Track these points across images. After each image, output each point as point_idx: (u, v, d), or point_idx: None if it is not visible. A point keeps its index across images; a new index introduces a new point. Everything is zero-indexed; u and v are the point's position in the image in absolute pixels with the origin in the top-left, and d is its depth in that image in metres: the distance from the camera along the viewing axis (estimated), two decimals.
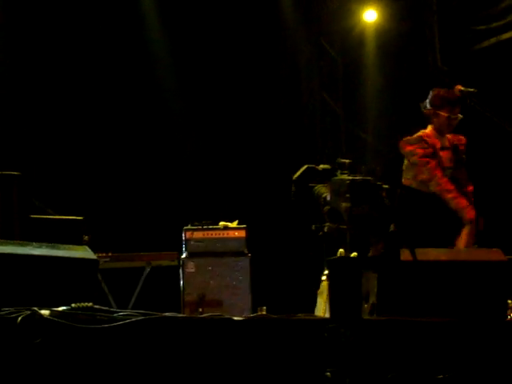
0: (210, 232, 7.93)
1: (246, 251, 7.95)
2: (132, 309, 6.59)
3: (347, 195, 4.00)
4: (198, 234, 7.87)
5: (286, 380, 3.81)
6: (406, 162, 6.23)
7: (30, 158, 8.84)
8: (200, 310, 7.46)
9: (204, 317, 3.98)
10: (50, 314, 3.53)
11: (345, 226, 4.01)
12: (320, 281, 7.57)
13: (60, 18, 9.65)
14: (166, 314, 3.85)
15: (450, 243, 5.85)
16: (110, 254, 7.76)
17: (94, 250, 4.33)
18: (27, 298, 3.69)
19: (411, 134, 6.25)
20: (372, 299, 4.50)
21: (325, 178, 4.28)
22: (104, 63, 9.86)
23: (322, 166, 4.37)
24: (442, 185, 5.96)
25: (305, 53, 11.14)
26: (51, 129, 9.56)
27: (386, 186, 4.08)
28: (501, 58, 9.25)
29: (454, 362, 4.03)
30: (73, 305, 3.65)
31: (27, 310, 3.49)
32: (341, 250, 7.96)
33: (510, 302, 5.67)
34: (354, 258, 4.09)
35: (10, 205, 5.26)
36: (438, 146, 6.10)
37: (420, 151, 6.05)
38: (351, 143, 10.91)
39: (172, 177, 9.88)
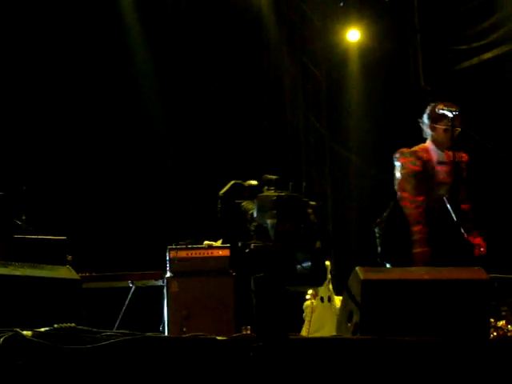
0: (194, 251, 7.91)
1: (230, 270, 7.94)
2: (117, 329, 6.56)
3: (273, 212, 3.99)
4: (182, 253, 7.84)
5: None
6: (396, 173, 6.15)
7: (12, 177, 8.80)
8: (184, 329, 7.42)
9: (188, 336, 3.97)
10: (33, 335, 3.52)
11: (271, 243, 3.99)
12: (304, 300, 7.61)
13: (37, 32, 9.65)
14: (149, 334, 3.84)
15: (438, 255, 5.78)
16: (93, 274, 7.73)
17: (77, 270, 4.32)
18: (9, 318, 3.68)
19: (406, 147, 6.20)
20: (355, 319, 4.50)
21: (252, 194, 4.27)
22: (86, 79, 9.85)
23: (248, 182, 4.36)
24: (413, 215, 5.90)
25: (288, 72, 11.17)
26: (33, 147, 9.52)
27: (313, 203, 4.07)
28: (482, 77, 9.32)
29: (434, 382, 4.03)
30: (55, 325, 3.63)
31: (9, 330, 3.47)
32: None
33: (492, 320, 5.69)
34: (279, 275, 4.03)
35: None
36: (435, 159, 6.04)
37: (409, 167, 6.00)
38: (335, 162, 10.94)
39: (156, 196, 9.86)
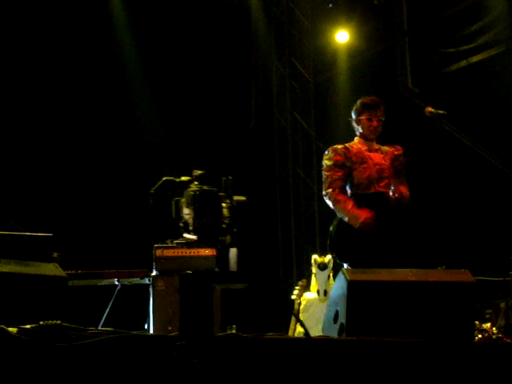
0: (181, 250, 7.89)
1: (217, 269, 7.92)
2: (103, 327, 6.54)
3: (191, 207, 4.02)
4: (169, 252, 7.83)
5: None
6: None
7: None
8: (169, 328, 7.41)
9: (173, 335, 3.97)
10: (18, 332, 3.51)
11: (194, 238, 4.02)
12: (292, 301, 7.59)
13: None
14: (135, 332, 3.84)
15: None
16: (79, 272, 7.71)
17: (64, 268, 4.31)
18: None
19: None
20: (341, 319, 4.51)
21: (183, 190, 4.28)
22: (71, 75, 9.84)
23: (180, 179, 4.37)
24: (336, 199, 5.89)
25: (277, 72, 11.18)
26: (19, 144, 9.50)
27: (241, 198, 4.08)
28: (470, 80, 9.35)
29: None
30: (41, 322, 3.62)
31: None
32: (314, 255, 7.99)
33: (477, 322, 5.71)
34: (204, 273, 4.02)
35: None
36: (365, 148, 6.07)
37: (326, 162, 6.03)
38: None
39: (143, 194, 9.84)
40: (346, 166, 5.98)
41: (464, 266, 4.92)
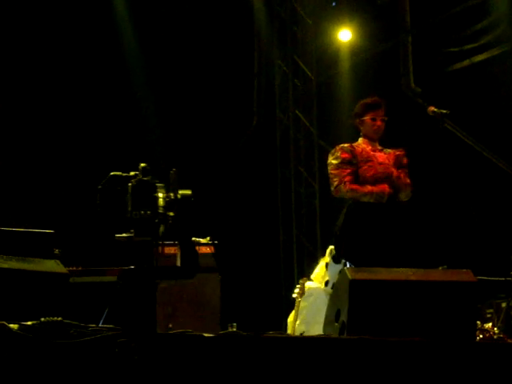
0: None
1: (217, 267, 7.92)
2: (103, 324, 6.53)
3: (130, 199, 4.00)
4: (170, 250, 7.83)
5: None
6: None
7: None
8: (170, 325, 7.41)
9: (174, 333, 3.96)
10: (19, 328, 3.50)
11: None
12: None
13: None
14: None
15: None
16: (80, 268, 7.70)
17: (65, 264, 4.30)
18: None
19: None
20: (342, 318, 4.50)
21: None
22: (68, 71, 9.84)
23: (130, 173, 4.33)
24: (352, 189, 5.92)
25: (279, 70, 11.18)
26: (21, 141, 9.49)
27: (186, 192, 4.04)
28: (473, 79, 9.34)
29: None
30: (42, 319, 3.62)
31: None
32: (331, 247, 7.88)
33: (478, 322, 5.70)
34: (147, 268, 3.96)
35: None
36: (369, 148, 6.10)
37: (333, 161, 6.06)
38: (324, 160, 10.92)
39: None
40: (353, 164, 6.00)
41: (465, 265, 4.91)
